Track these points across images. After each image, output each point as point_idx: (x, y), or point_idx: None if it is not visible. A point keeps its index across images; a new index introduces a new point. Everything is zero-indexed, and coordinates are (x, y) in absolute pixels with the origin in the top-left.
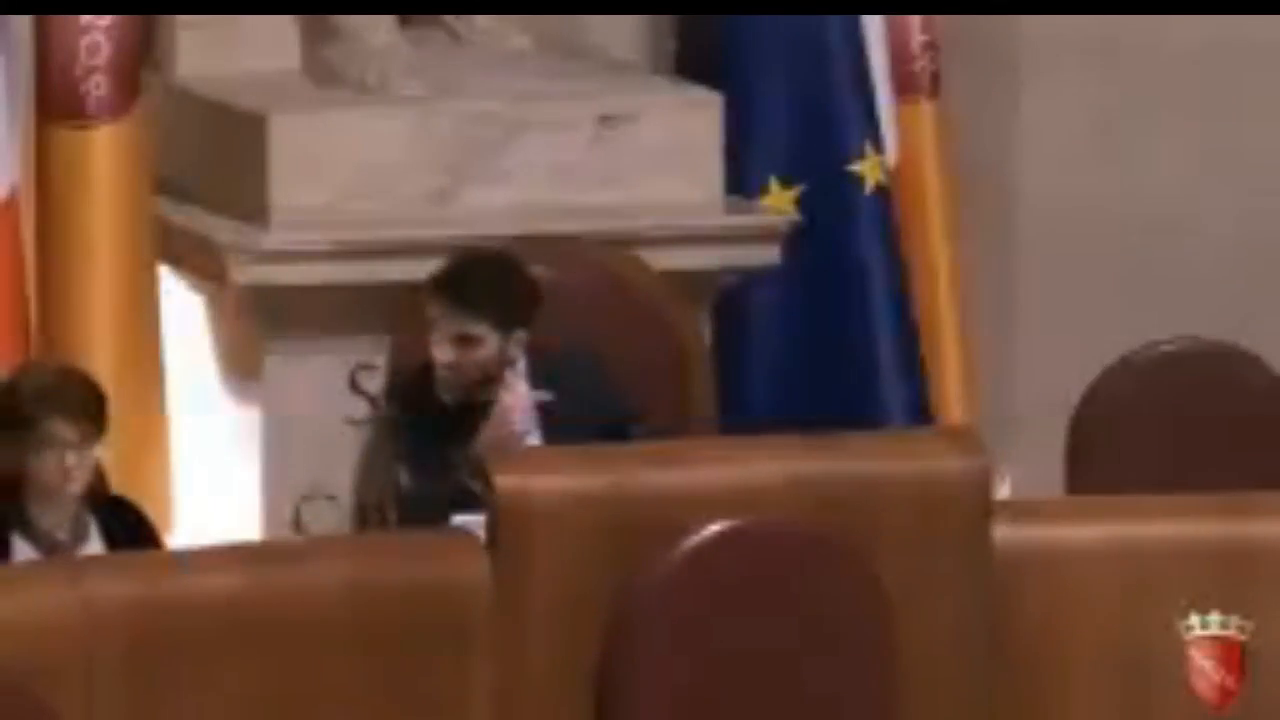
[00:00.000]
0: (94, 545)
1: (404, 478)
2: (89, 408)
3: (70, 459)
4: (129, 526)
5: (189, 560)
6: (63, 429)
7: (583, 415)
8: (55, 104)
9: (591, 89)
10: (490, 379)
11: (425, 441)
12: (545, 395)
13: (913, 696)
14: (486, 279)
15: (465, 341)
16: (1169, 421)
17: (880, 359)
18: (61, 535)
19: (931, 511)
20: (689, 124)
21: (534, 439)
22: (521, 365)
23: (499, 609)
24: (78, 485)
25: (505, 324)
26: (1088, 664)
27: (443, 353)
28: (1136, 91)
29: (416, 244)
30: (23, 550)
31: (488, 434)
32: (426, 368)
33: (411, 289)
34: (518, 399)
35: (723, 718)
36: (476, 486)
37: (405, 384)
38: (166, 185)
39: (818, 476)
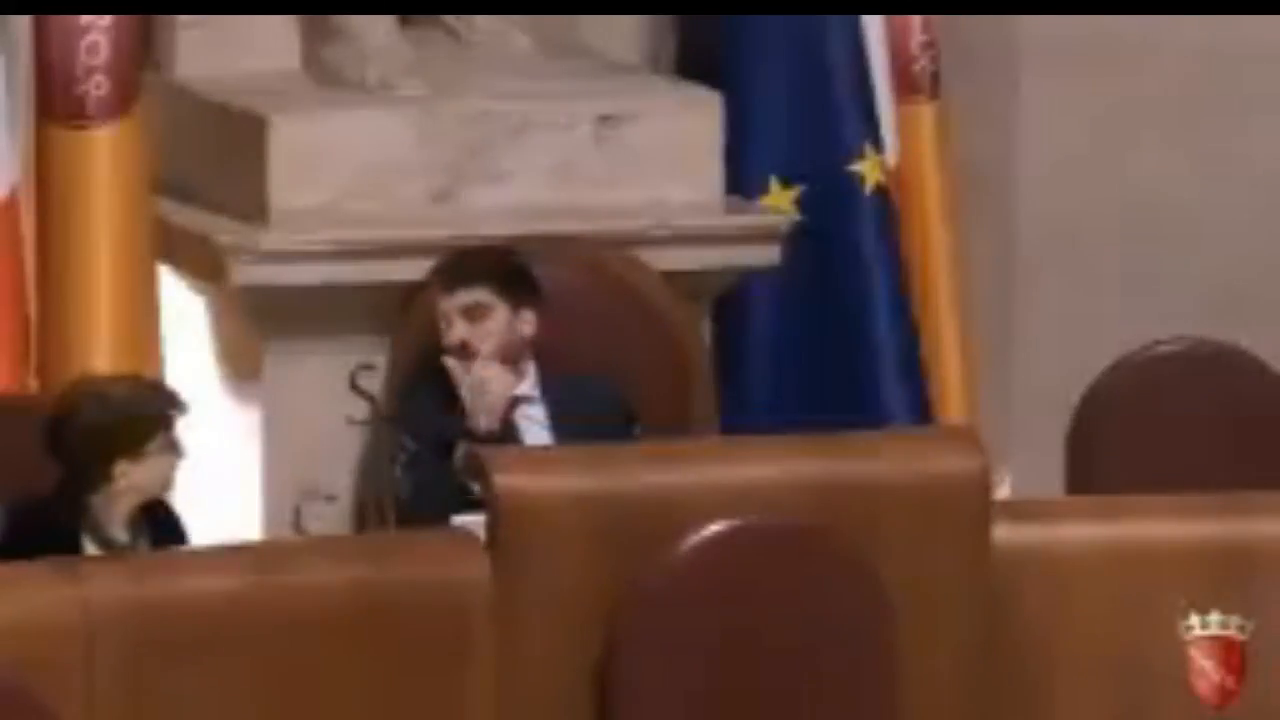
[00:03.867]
0: (145, 547)
1: (404, 478)
2: (186, 406)
3: (178, 463)
4: (172, 529)
5: (189, 560)
6: (178, 435)
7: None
8: (55, 104)
9: (591, 89)
10: (510, 362)
11: (426, 437)
12: (528, 389)
13: (913, 696)
14: (479, 254)
15: (471, 313)
16: (1169, 421)
17: (880, 359)
18: (123, 536)
19: (931, 511)
20: (689, 124)
21: (543, 435)
22: (531, 379)
23: (499, 609)
24: (173, 487)
25: (507, 293)
26: (1088, 664)
27: (455, 332)
28: (1136, 91)
29: (416, 244)
30: (90, 551)
31: (477, 415)
32: (436, 367)
33: (410, 288)
34: (495, 371)
35: (723, 717)
36: (475, 487)
37: (414, 381)
38: (166, 185)
39: (818, 476)
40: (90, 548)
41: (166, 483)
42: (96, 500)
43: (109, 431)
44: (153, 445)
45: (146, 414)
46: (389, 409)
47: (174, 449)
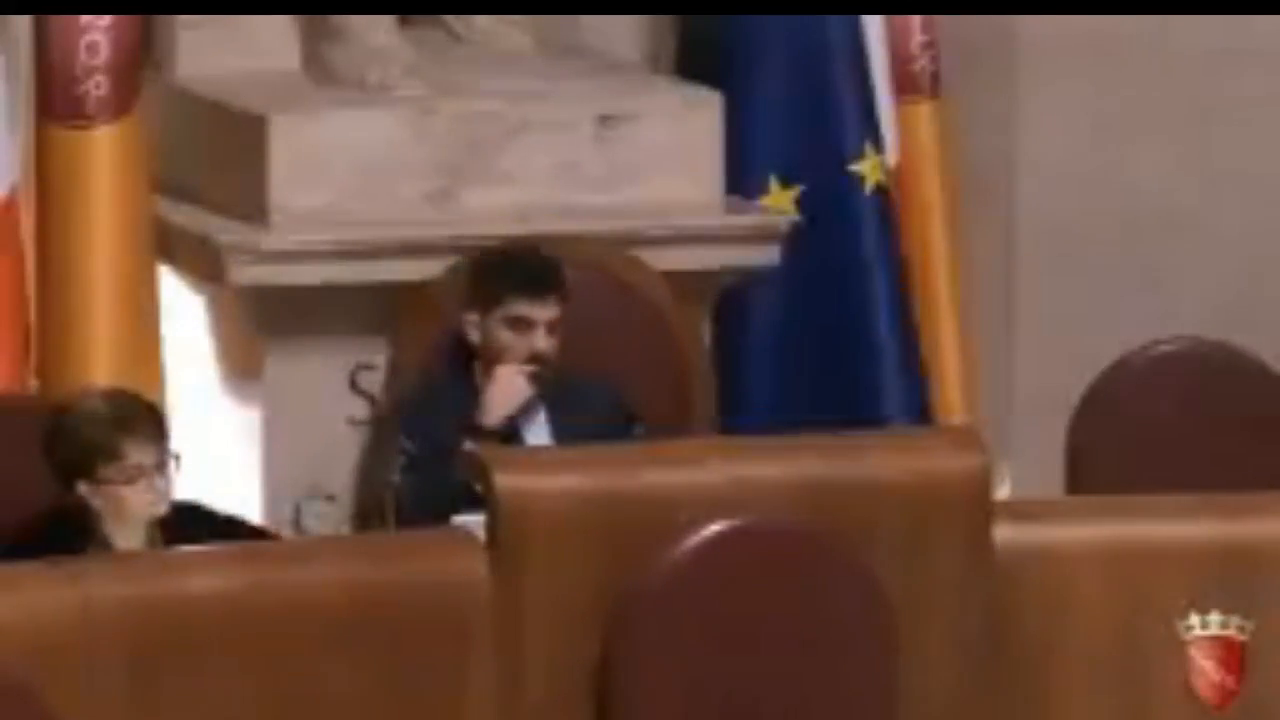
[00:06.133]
0: None
1: (403, 480)
2: (162, 430)
3: (159, 485)
4: (198, 532)
5: (189, 560)
6: (147, 457)
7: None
8: (55, 104)
9: (591, 89)
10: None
11: (426, 439)
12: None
13: (913, 696)
14: (555, 265)
15: (553, 327)
16: (1169, 421)
17: (880, 359)
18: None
19: (931, 511)
20: (689, 124)
21: (543, 436)
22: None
23: (498, 609)
24: (162, 507)
25: (567, 307)
26: (1088, 664)
27: (537, 342)
28: (1136, 92)
29: (416, 244)
30: None
31: (495, 406)
32: (456, 364)
33: (411, 289)
34: (521, 377)
35: (722, 717)
36: (477, 485)
37: (435, 379)
38: (166, 185)
39: (817, 476)
40: None
41: (143, 507)
42: (93, 515)
43: (62, 451)
44: (105, 474)
45: (89, 443)
46: (389, 409)
47: (137, 479)
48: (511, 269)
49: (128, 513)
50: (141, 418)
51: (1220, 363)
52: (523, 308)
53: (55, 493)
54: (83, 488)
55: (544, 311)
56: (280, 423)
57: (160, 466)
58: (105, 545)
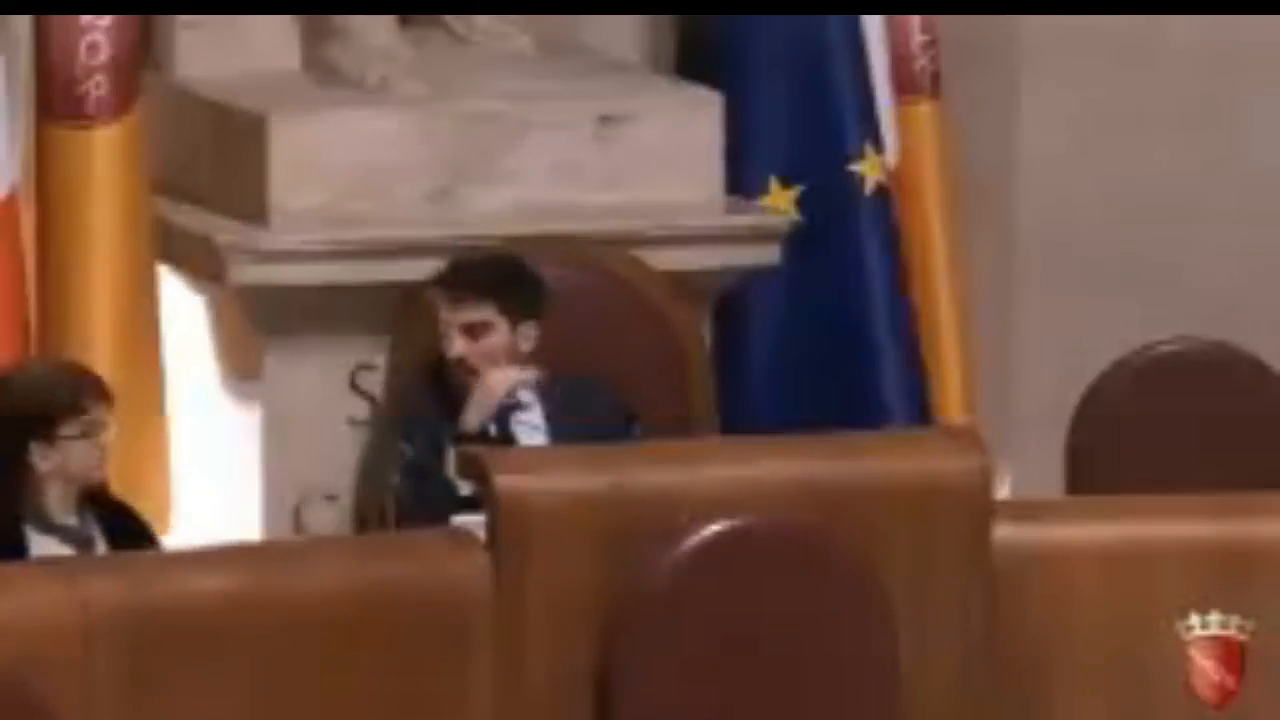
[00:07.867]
0: (100, 541)
1: (404, 478)
2: (107, 390)
3: (104, 443)
4: (132, 535)
5: (189, 560)
6: (103, 414)
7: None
8: (55, 104)
9: (591, 89)
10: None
11: (425, 441)
12: (530, 377)
13: (913, 697)
14: (487, 267)
15: (473, 330)
16: (1169, 421)
17: (880, 359)
18: (73, 523)
19: (931, 511)
20: (689, 124)
21: (538, 438)
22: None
23: (499, 609)
24: (105, 469)
25: (511, 310)
26: (1088, 664)
27: (452, 346)
28: (1137, 91)
29: (416, 244)
30: (41, 543)
31: (470, 409)
32: (435, 369)
33: (411, 289)
34: (505, 377)
35: (722, 717)
36: (465, 488)
37: (412, 383)
38: (166, 185)
39: (818, 476)
40: (34, 534)
41: (89, 468)
42: (29, 486)
43: (14, 416)
44: (65, 430)
45: (52, 399)
46: (389, 410)
47: (92, 435)
48: (443, 271)
49: (73, 471)
50: (93, 377)
51: (1220, 363)
52: (441, 311)
53: None
54: (35, 450)
55: (456, 315)
56: (280, 423)
57: (107, 428)
58: (41, 517)
